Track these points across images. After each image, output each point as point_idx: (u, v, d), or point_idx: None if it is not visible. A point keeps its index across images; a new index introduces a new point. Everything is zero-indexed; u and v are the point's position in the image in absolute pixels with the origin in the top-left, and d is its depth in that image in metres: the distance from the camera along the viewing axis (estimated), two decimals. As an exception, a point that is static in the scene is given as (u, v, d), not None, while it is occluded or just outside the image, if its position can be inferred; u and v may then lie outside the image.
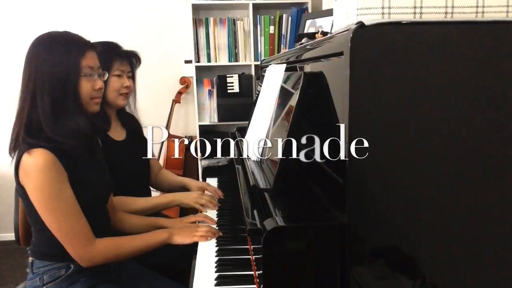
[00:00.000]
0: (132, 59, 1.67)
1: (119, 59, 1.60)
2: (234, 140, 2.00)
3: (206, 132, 3.13)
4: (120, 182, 1.44)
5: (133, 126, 1.78)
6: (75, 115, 1.20)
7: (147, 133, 1.84)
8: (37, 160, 1.12)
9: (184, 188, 1.82)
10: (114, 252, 1.23)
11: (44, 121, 1.16)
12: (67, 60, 1.18)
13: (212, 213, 1.55)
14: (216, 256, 1.22)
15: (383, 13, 0.76)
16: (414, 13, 0.76)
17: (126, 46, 1.68)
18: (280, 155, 1.01)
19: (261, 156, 1.24)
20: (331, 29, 1.35)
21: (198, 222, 1.45)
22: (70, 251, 1.19)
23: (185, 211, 2.88)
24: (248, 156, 1.35)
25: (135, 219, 1.49)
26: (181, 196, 1.67)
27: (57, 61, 1.17)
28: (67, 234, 1.17)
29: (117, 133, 1.69)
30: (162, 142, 3.17)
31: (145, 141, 1.85)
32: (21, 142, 1.17)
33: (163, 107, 3.24)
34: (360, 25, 0.72)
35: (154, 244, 1.30)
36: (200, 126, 3.09)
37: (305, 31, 2.25)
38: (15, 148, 1.20)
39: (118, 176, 1.41)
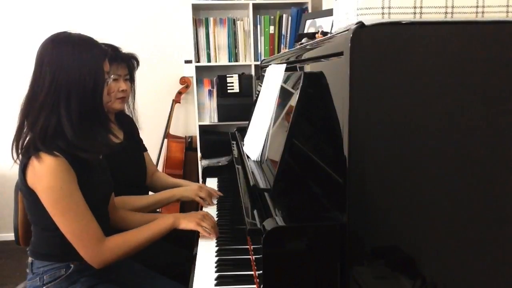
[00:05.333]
0: (130, 62, 1.67)
1: (115, 63, 1.59)
2: (234, 140, 2.00)
3: (206, 132, 3.13)
4: (118, 183, 1.44)
5: (130, 127, 1.78)
6: (101, 123, 1.21)
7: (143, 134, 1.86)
8: (48, 162, 1.12)
9: None
10: (124, 247, 1.23)
11: (69, 127, 1.14)
12: (95, 65, 1.18)
13: (212, 213, 1.55)
14: (216, 256, 1.22)
15: (383, 13, 0.76)
16: (414, 13, 0.76)
17: (126, 46, 1.68)
18: (280, 155, 1.01)
19: (261, 156, 1.24)
20: (331, 29, 1.35)
21: None
22: (83, 253, 1.19)
23: (185, 209, 2.89)
24: (248, 156, 1.35)
25: (136, 216, 1.49)
26: (182, 190, 1.69)
27: (85, 66, 1.16)
28: (79, 235, 1.17)
29: (116, 134, 1.70)
30: (162, 143, 3.17)
31: (141, 142, 1.86)
32: (32, 147, 1.15)
33: (163, 107, 3.24)
34: (360, 25, 0.72)
35: (162, 231, 1.30)
36: (200, 126, 3.09)
37: (305, 31, 2.25)
38: (23, 153, 1.18)
39: (116, 177, 1.42)
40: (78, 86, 1.15)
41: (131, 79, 1.69)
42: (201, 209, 1.63)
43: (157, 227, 1.30)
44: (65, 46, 1.16)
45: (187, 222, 1.32)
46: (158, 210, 1.79)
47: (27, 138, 1.18)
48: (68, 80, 1.14)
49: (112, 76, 1.57)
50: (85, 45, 1.19)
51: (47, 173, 1.12)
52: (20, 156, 1.19)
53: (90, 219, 1.18)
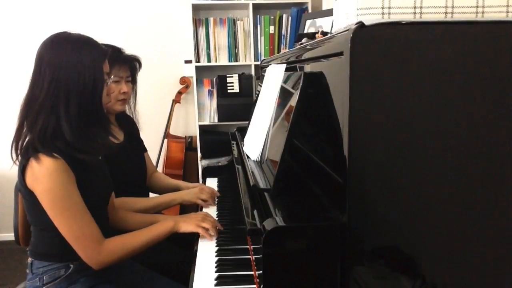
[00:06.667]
0: (132, 64, 1.66)
1: (117, 65, 1.59)
2: (234, 140, 2.00)
3: (206, 132, 3.14)
4: (118, 183, 1.44)
5: (130, 128, 1.78)
6: (100, 124, 1.21)
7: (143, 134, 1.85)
8: (47, 163, 1.11)
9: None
10: (123, 250, 1.23)
11: (68, 128, 1.14)
12: (94, 66, 1.17)
13: (212, 213, 1.55)
14: (216, 256, 1.22)
15: (383, 13, 0.76)
16: (414, 13, 0.76)
17: (126, 46, 1.68)
18: (280, 155, 1.01)
19: (261, 156, 1.24)
20: (331, 29, 1.35)
21: None
22: (81, 254, 1.19)
23: (185, 210, 2.89)
24: (248, 156, 1.35)
25: (136, 217, 1.49)
26: (183, 193, 1.69)
27: (85, 67, 1.15)
28: (78, 236, 1.17)
29: (116, 135, 1.69)
30: (162, 143, 3.17)
31: (141, 142, 1.86)
32: (31, 148, 1.14)
33: (163, 107, 3.24)
34: (360, 25, 0.72)
35: (162, 234, 1.30)
36: (200, 126, 3.09)
37: (305, 31, 2.25)
38: (22, 154, 1.18)
39: (117, 178, 1.42)
40: (77, 86, 1.15)
41: (133, 81, 1.69)
42: (201, 210, 1.63)
43: (156, 230, 1.30)
44: (65, 46, 1.16)
45: (187, 225, 1.31)
46: None
47: (26, 139, 1.18)
48: (67, 80, 1.14)
49: (113, 77, 1.57)
50: (85, 45, 1.19)
51: (46, 175, 1.12)
52: (19, 157, 1.19)
53: (88, 220, 1.18)
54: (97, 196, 1.27)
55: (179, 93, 3.22)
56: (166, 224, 1.31)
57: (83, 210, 1.17)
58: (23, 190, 1.19)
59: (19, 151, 1.19)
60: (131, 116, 1.79)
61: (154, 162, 3.01)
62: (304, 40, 1.45)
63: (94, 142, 1.20)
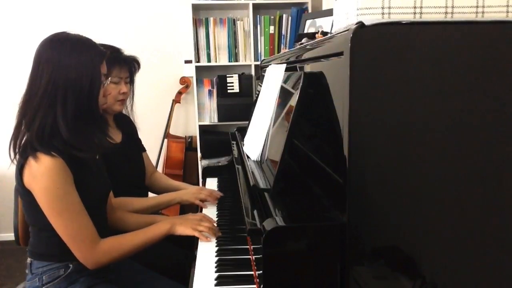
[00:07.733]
0: (131, 65, 1.66)
1: (117, 66, 1.59)
2: (234, 140, 2.00)
3: (206, 132, 3.13)
4: (117, 183, 1.44)
5: (128, 128, 1.78)
6: (96, 124, 1.21)
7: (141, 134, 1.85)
8: (45, 162, 1.12)
9: None
10: (119, 250, 1.23)
11: (64, 127, 1.14)
12: (92, 67, 1.17)
13: (212, 213, 1.55)
14: (216, 256, 1.22)
15: (383, 13, 0.76)
16: (414, 13, 0.76)
17: (126, 46, 1.68)
18: (280, 155, 1.01)
19: (261, 156, 1.24)
20: (331, 29, 1.35)
21: None
22: (77, 253, 1.19)
23: (185, 210, 2.89)
24: (248, 156, 1.35)
25: (134, 217, 1.49)
26: (181, 193, 1.69)
27: (82, 67, 1.15)
28: (74, 236, 1.17)
29: (113, 135, 1.70)
30: (162, 143, 3.17)
31: (140, 142, 1.86)
32: (29, 147, 1.15)
33: (163, 107, 3.24)
34: (360, 25, 0.72)
35: (158, 236, 1.30)
36: (200, 126, 3.09)
37: (305, 31, 2.25)
38: (20, 153, 1.18)
39: (115, 178, 1.41)
40: (74, 86, 1.15)
41: (131, 81, 1.69)
42: (201, 211, 1.63)
43: (152, 232, 1.29)
44: (63, 46, 1.16)
45: (183, 228, 1.31)
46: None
47: (24, 138, 1.18)
48: (65, 80, 1.14)
49: (110, 78, 1.57)
50: (83, 46, 1.19)
51: (44, 173, 1.12)
52: (17, 156, 1.19)
53: (85, 220, 1.18)
54: (94, 196, 1.27)
55: (179, 93, 3.22)
56: (162, 226, 1.31)
57: (80, 209, 1.17)
58: (21, 190, 1.19)
59: (17, 150, 1.19)
60: (128, 116, 1.79)
61: (154, 162, 3.01)
62: (304, 40, 1.45)
63: (91, 141, 1.21)
